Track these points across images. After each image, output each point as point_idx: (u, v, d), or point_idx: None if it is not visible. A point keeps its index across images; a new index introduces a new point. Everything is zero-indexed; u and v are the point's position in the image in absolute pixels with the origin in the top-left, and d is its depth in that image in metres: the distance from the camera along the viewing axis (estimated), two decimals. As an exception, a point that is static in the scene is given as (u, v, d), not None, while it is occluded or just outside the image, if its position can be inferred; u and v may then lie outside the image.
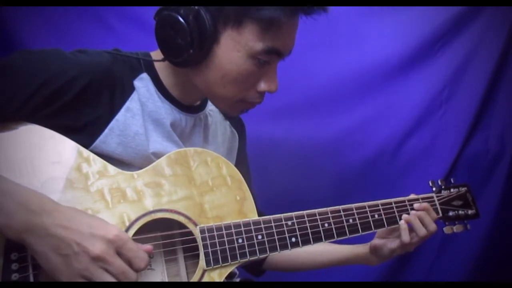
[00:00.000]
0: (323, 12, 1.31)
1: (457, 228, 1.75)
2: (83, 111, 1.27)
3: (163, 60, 1.37)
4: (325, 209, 1.49)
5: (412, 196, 1.68)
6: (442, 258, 2.55)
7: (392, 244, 1.63)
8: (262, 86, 1.39)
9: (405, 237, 1.58)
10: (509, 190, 2.52)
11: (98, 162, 1.27)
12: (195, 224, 1.31)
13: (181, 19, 1.26)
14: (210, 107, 1.66)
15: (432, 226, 1.62)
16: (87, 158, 1.26)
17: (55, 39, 2.22)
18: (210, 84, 1.37)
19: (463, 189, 1.79)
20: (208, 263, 1.29)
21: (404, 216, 1.61)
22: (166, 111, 1.43)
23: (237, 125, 1.83)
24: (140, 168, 1.34)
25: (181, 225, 1.32)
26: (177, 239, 1.35)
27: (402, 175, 2.54)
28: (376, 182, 2.51)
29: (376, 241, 1.68)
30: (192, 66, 1.35)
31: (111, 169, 1.28)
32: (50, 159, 1.22)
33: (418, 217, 1.61)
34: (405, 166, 2.55)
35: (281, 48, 1.34)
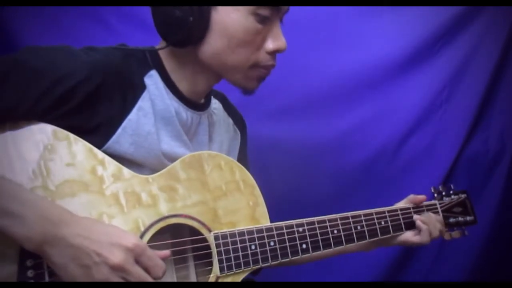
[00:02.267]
0: None
1: (455, 234, 1.80)
2: (96, 111, 1.26)
3: (167, 45, 1.35)
4: (334, 215, 1.50)
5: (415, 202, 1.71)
6: (442, 258, 2.56)
7: (403, 237, 1.66)
8: (270, 45, 1.39)
9: (426, 237, 1.63)
10: (509, 190, 2.52)
11: (113, 165, 1.25)
12: (209, 230, 1.31)
13: None
14: (214, 105, 1.66)
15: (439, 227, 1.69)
16: (101, 160, 1.24)
17: (55, 39, 2.19)
18: (219, 54, 1.36)
19: (462, 196, 1.83)
20: (222, 269, 1.29)
21: (420, 217, 1.65)
22: (174, 109, 1.42)
23: (239, 123, 1.83)
24: (151, 168, 1.33)
25: (191, 230, 1.32)
26: (188, 246, 1.35)
27: (402, 175, 2.54)
28: (376, 182, 2.51)
29: None
30: (196, 41, 1.34)
31: (126, 172, 1.26)
32: (64, 160, 1.20)
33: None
34: (405, 166, 2.55)
35: None
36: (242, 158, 1.80)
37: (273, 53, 1.41)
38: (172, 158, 1.37)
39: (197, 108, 1.52)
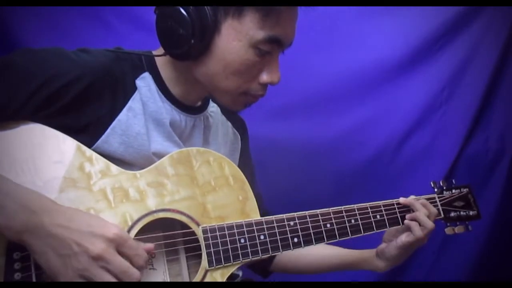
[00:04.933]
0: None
1: (458, 229, 1.76)
2: (85, 111, 1.27)
3: (164, 54, 1.36)
4: (327, 209, 1.49)
5: (413, 197, 1.67)
6: (442, 258, 2.56)
7: (398, 242, 1.59)
8: (264, 77, 1.39)
9: (418, 232, 1.55)
10: (509, 190, 2.52)
11: (101, 162, 1.26)
12: (198, 224, 1.31)
13: (182, 9, 1.26)
14: (211, 108, 1.66)
15: (434, 214, 1.64)
16: (89, 157, 1.25)
17: (55, 39, 2.22)
18: (212, 77, 1.37)
19: (464, 190, 1.79)
20: (210, 263, 1.29)
21: (408, 215, 1.60)
22: (166, 111, 1.42)
23: (239, 126, 1.82)
24: (141, 168, 1.33)
25: (183, 225, 1.32)
26: (179, 239, 1.35)
27: (402, 175, 2.55)
28: (376, 182, 2.52)
29: (382, 245, 1.67)
30: (194, 59, 1.35)
31: (114, 168, 1.27)
32: (53, 158, 1.21)
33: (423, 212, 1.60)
34: (405, 166, 2.56)
35: (282, 36, 1.34)
36: (246, 161, 1.81)
37: (265, 85, 1.42)
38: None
39: (192, 111, 1.53)
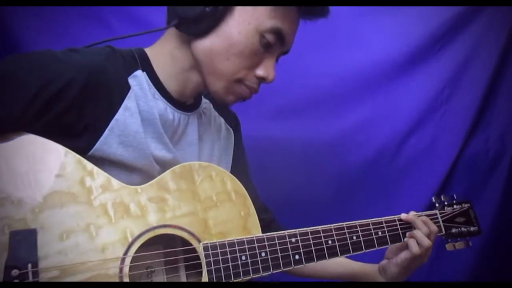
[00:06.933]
0: (322, 17, 1.39)
1: (458, 245, 1.74)
2: (82, 113, 1.25)
3: (171, 26, 1.36)
4: (328, 226, 1.47)
5: (413, 212, 1.65)
6: (442, 258, 2.55)
7: (397, 259, 1.59)
8: (261, 71, 1.41)
9: (415, 248, 1.55)
10: (509, 190, 2.52)
11: (102, 176, 1.25)
12: (199, 241, 1.30)
13: None
14: (204, 105, 1.65)
15: (434, 232, 1.63)
16: (90, 171, 1.24)
17: (55, 39, 2.21)
18: (214, 55, 1.37)
19: (466, 206, 1.78)
20: (211, 280, 1.28)
21: (408, 233, 1.59)
22: (159, 110, 1.41)
23: (232, 121, 1.81)
24: (141, 169, 1.34)
25: (184, 241, 1.31)
26: (179, 257, 1.34)
27: (402, 175, 2.55)
28: (376, 182, 2.51)
29: (383, 261, 1.67)
30: (202, 31, 1.36)
31: (115, 183, 1.26)
32: (53, 172, 1.20)
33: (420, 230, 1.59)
34: (405, 166, 2.56)
35: (285, 32, 1.37)
36: (239, 155, 1.79)
37: (260, 79, 1.43)
38: (155, 160, 1.38)
39: (185, 109, 1.52)
